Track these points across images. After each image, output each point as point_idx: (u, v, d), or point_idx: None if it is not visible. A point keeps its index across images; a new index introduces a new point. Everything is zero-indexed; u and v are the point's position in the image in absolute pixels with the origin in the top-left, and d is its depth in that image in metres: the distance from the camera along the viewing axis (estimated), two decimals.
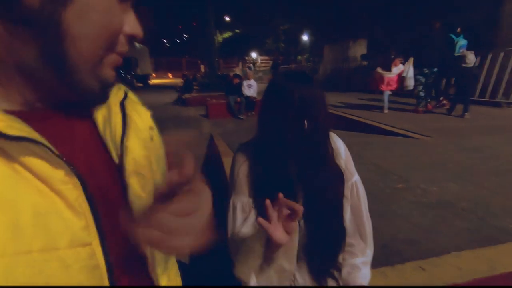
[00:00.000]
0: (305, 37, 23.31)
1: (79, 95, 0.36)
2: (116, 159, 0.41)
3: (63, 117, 0.37)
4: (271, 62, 22.39)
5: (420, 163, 3.27)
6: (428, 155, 3.51)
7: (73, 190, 0.32)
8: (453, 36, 6.64)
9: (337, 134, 0.95)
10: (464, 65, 5.67)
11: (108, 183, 0.39)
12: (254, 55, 27.64)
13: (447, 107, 6.15)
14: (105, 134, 0.41)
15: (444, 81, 7.17)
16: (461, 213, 2.14)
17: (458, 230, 1.92)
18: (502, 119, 5.55)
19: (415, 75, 5.99)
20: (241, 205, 0.91)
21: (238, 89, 8.19)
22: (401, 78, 6.23)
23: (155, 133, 0.49)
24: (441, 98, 6.50)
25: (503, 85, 6.65)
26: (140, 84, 23.79)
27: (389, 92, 6.35)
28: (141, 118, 0.46)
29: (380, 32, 11.05)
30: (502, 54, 6.76)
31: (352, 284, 0.96)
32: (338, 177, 0.91)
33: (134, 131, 0.43)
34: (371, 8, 11.93)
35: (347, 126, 5.41)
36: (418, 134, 4.43)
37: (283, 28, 24.89)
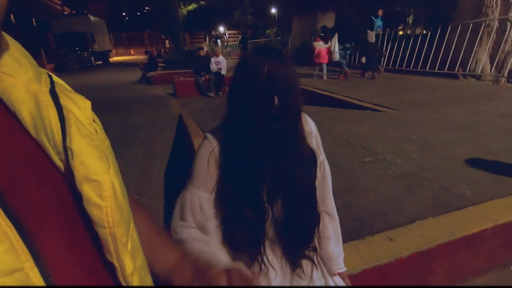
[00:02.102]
0: (273, 10, 22.70)
1: None
2: (59, 163, 0.34)
3: None
4: (239, 36, 21.72)
5: (386, 136, 3.39)
6: (394, 127, 3.65)
7: None
8: (373, 17, 7.93)
9: (308, 110, 0.92)
10: (370, 41, 7.58)
11: (46, 192, 0.32)
12: (221, 29, 26.57)
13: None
14: (37, 133, 0.32)
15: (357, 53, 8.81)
16: (424, 182, 2.27)
17: (421, 199, 2.04)
18: (459, 90, 5.90)
19: (339, 49, 7.50)
20: (194, 198, 0.87)
21: (205, 65, 7.89)
22: (329, 52, 7.65)
23: (98, 124, 0.42)
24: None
25: (460, 57, 7.00)
26: (99, 62, 22.19)
27: (320, 64, 7.76)
28: (81, 109, 0.38)
29: (347, 5, 11.03)
30: (459, 28, 7.06)
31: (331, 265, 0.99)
32: (310, 158, 0.90)
33: (76, 127, 0.35)
34: None
35: (316, 101, 5.47)
36: (385, 107, 4.58)
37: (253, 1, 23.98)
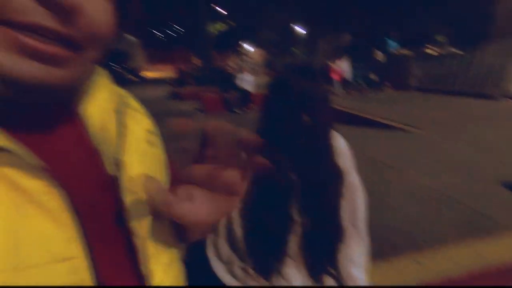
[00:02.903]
0: (299, 29, 23.15)
1: None
2: (111, 171, 0.38)
3: (49, 124, 0.34)
4: (266, 54, 22.22)
5: (413, 155, 3.30)
6: (421, 147, 3.54)
7: (53, 200, 0.29)
8: (387, 38, 8.88)
9: (333, 128, 0.94)
10: (377, 59, 8.57)
11: (99, 196, 0.36)
12: (248, 47, 27.39)
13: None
14: (100, 144, 0.38)
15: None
16: (453, 204, 2.18)
17: (450, 221, 1.96)
18: (492, 110, 5.62)
19: (351, 68, 8.31)
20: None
21: (232, 82, 8.13)
22: (342, 71, 8.39)
23: (156, 138, 0.47)
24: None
25: (495, 77, 6.71)
26: (132, 77, 23.49)
27: (338, 80, 8.42)
28: (139, 127, 0.43)
29: (370, 24, 11.10)
30: (494, 47, 6.81)
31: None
32: (338, 177, 0.91)
33: (131, 143, 0.40)
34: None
35: (342, 119, 5.43)
36: (412, 126, 4.46)
37: (277, 19, 24.64)
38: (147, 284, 0.38)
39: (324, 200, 0.89)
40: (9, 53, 0.26)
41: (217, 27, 27.77)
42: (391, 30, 8.92)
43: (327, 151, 0.88)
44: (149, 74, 26.62)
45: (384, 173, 2.83)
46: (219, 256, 0.95)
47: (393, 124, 4.71)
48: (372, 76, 8.69)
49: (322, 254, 0.96)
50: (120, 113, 0.40)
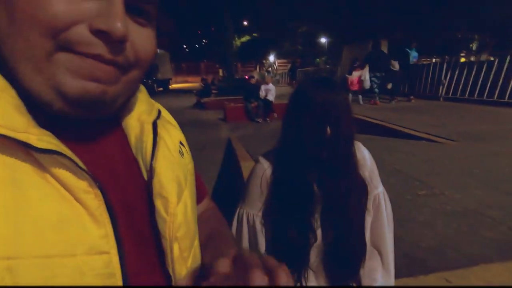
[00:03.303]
0: (323, 39, 23.11)
1: (45, 112, 0.33)
2: (145, 177, 0.41)
3: (96, 134, 0.39)
4: (289, 65, 22.32)
5: (444, 168, 3.14)
6: (453, 160, 3.37)
7: (94, 199, 0.33)
8: (408, 49, 8.55)
9: (358, 138, 0.91)
10: (393, 69, 8.21)
11: (133, 199, 0.39)
12: (271, 58, 27.69)
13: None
14: (136, 153, 0.42)
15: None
16: (489, 222, 2.04)
17: (485, 240, 1.84)
18: None
19: (370, 77, 8.10)
20: (248, 217, 0.92)
21: (255, 92, 8.23)
22: (360, 81, 8.26)
23: (185, 149, 0.51)
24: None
25: None
26: (160, 89, 24.45)
27: (352, 91, 8.28)
28: (171, 138, 0.47)
29: (401, 33, 10.85)
30: None
31: None
32: (361, 188, 0.89)
33: (163, 152, 0.43)
34: (392, 7, 11.73)
35: (368, 129, 5.30)
36: (442, 138, 4.26)
37: (300, 30, 24.78)
38: (174, 283, 0.40)
39: (347, 213, 0.87)
40: (73, 76, 0.32)
41: (241, 39, 28.38)
42: (414, 40, 8.69)
43: (350, 162, 0.87)
44: (176, 85, 27.54)
45: (413, 186, 2.72)
46: None
47: (420, 135, 4.53)
48: (392, 86, 8.52)
49: (343, 269, 0.94)
50: (155, 125, 0.44)
